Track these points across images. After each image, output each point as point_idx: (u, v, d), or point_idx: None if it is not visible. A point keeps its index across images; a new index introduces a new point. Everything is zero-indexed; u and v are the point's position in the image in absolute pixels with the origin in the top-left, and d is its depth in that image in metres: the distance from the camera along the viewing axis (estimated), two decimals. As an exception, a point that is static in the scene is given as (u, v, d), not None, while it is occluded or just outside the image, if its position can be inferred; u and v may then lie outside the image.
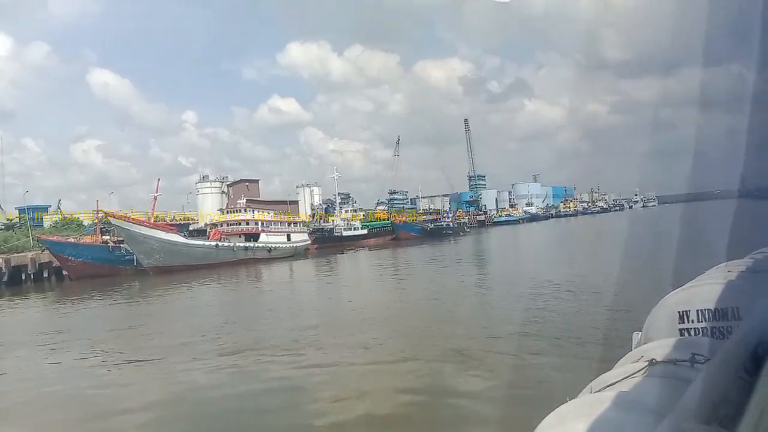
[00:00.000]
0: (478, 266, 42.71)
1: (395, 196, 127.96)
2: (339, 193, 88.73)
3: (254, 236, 61.93)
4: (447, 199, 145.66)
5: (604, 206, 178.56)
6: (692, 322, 3.04)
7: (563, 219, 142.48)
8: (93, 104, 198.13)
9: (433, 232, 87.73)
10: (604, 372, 2.65)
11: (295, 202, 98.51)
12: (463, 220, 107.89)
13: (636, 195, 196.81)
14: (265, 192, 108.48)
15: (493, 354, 13.64)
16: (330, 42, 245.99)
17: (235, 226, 62.79)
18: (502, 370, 12.33)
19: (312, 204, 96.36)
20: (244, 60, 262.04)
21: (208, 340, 18.02)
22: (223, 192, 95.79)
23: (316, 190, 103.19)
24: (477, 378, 11.95)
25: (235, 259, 56.50)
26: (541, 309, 18.85)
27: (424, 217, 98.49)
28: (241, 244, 59.37)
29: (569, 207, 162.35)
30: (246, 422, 10.61)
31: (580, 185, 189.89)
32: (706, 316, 2.99)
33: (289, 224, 70.10)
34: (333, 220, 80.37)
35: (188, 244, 55.53)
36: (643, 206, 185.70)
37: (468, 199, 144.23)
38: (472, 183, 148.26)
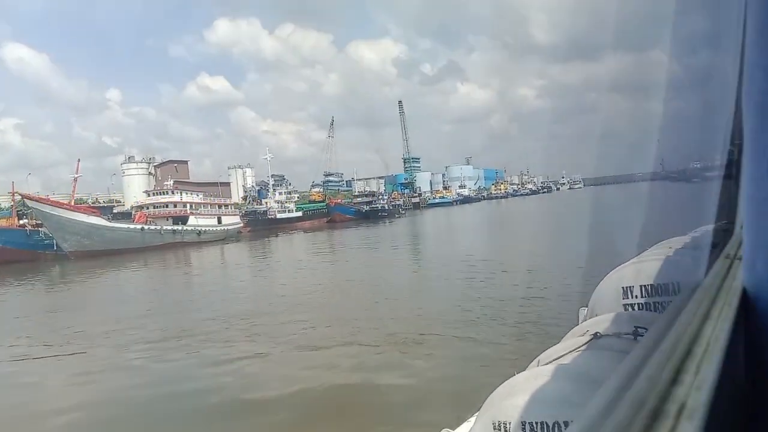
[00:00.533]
0: (413, 247, 43.23)
1: (330, 179, 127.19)
2: (273, 175, 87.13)
3: (182, 219, 60.00)
4: (382, 181, 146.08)
5: (533, 188, 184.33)
6: (635, 297, 3.14)
7: (494, 201, 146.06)
8: (8, 80, 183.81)
9: (369, 214, 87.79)
10: (551, 346, 2.74)
11: (227, 184, 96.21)
12: (398, 202, 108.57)
13: (563, 177, 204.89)
14: (196, 174, 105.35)
15: (432, 336, 13.63)
16: (260, 19, 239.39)
17: (162, 209, 60.55)
18: (442, 353, 12.33)
19: (245, 186, 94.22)
20: (170, 36, 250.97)
21: (131, 329, 17.12)
22: (150, 173, 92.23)
23: (249, 171, 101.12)
24: (417, 360, 11.90)
25: (163, 243, 54.60)
26: (478, 290, 19.06)
27: (359, 199, 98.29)
28: (169, 228, 57.40)
29: (500, 189, 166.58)
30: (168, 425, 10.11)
31: (511, 168, 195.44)
32: (649, 291, 3.09)
33: (220, 207, 68.31)
34: (266, 203, 78.87)
35: (112, 227, 53.09)
36: (570, 188, 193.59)
37: (403, 181, 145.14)
38: (406, 165, 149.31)
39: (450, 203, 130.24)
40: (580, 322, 3.45)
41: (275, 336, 14.91)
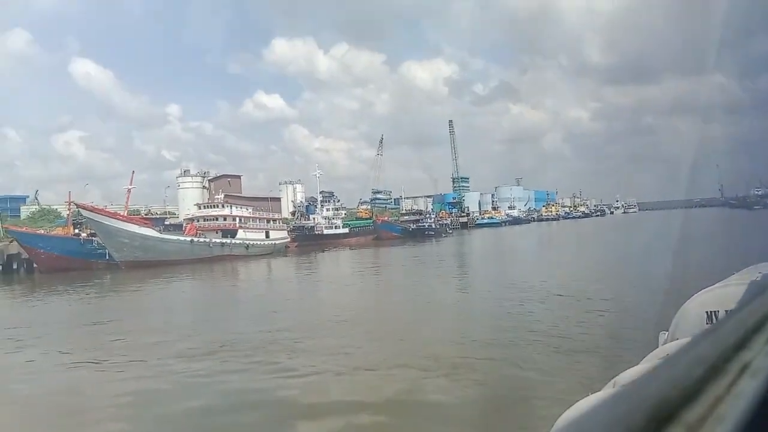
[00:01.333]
0: (459, 267, 42.25)
1: (379, 196, 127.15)
2: (322, 192, 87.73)
3: (231, 232, 60.80)
4: (430, 200, 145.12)
5: (586, 211, 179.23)
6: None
7: (545, 223, 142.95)
8: (75, 94, 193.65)
9: (415, 233, 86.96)
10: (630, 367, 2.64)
11: (278, 199, 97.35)
12: (445, 221, 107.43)
13: (617, 201, 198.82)
14: (249, 188, 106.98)
15: (483, 362, 12.86)
16: (316, 39, 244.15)
17: (211, 222, 61.52)
18: (494, 380, 11.64)
19: (294, 201, 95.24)
20: (229, 54, 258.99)
21: (178, 340, 17.07)
22: (204, 187, 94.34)
23: (299, 187, 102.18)
24: (462, 386, 11.24)
25: (211, 256, 55.34)
26: (528, 314, 18.31)
27: (406, 217, 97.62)
28: (218, 240, 58.20)
29: (551, 211, 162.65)
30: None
31: (562, 190, 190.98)
32: None
33: (268, 221, 68.92)
34: (314, 219, 79.31)
35: (162, 238, 54.28)
36: (624, 212, 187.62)
37: (451, 200, 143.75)
38: (455, 184, 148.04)
39: (499, 224, 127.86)
40: (660, 345, 3.35)
41: (321, 354, 14.39)
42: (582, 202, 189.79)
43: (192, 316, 22.41)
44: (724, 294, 3.07)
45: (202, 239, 56.98)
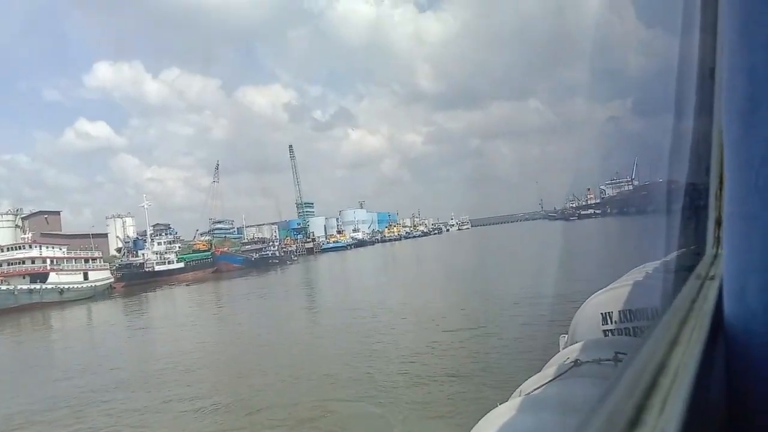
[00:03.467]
0: (306, 296, 41.24)
1: (220, 226, 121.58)
2: (157, 224, 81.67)
3: (41, 276, 53.56)
4: (275, 227, 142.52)
5: (425, 230, 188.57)
6: (615, 323, 3.21)
7: (388, 243, 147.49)
8: None
9: (258, 262, 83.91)
10: (534, 374, 2.79)
11: (104, 236, 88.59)
12: (290, 248, 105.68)
13: (452, 218, 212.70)
14: (74, 224, 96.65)
15: (338, 404, 12.00)
16: (144, 63, 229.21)
17: (16, 266, 53.71)
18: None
19: (125, 236, 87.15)
20: (45, 79, 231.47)
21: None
22: (17, 226, 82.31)
23: (129, 221, 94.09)
24: None
25: (17, 305, 47.97)
26: (377, 344, 17.96)
27: (248, 246, 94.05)
28: (25, 287, 50.84)
29: (393, 232, 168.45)
30: None
31: (403, 210, 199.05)
32: (627, 316, 3.16)
33: (87, 261, 61.98)
34: (144, 254, 72.92)
35: (-46, 289, 45.96)
36: (459, 229, 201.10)
37: (296, 226, 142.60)
38: (300, 210, 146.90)
39: (344, 247, 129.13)
40: (561, 348, 3.47)
41: (156, 413, 12.46)
42: (421, 222, 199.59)
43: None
44: (616, 295, 3.25)
45: (4, 287, 49.26)
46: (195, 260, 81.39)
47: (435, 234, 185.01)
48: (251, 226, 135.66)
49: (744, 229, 1.13)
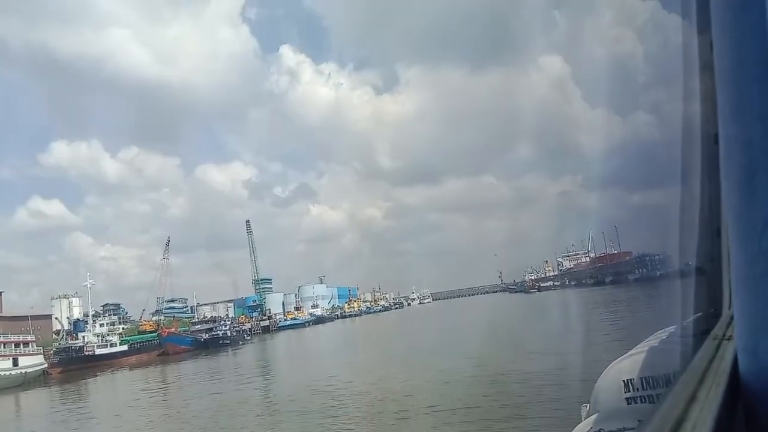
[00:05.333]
0: (257, 382, 38.45)
1: (173, 305, 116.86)
2: (106, 304, 77.60)
3: (-38, 364, 49.08)
4: (231, 305, 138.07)
5: (386, 305, 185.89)
6: (637, 390, 3.11)
7: (348, 319, 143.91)
8: None
9: (208, 343, 79.28)
10: None
11: (48, 317, 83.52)
12: (245, 327, 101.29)
13: (413, 292, 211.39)
14: (21, 305, 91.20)
15: None
16: (102, 141, 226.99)
17: (-67, 355, 49.27)
18: None
19: (68, 317, 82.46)
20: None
21: None
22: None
23: (75, 301, 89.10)
24: None
25: (-67, 398, 43.44)
26: None
27: (199, 326, 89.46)
28: (-56, 377, 46.39)
29: (354, 307, 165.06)
30: None
31: (363, 285, 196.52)
32: (650, 382, 3.06)
33: (17, 345, 57.44)
34: (84, 337, 68.41)
35: None
36: (420, 303, 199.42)
37: (252, 303, 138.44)
38: (256, 287, 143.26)
39: (302, 324, 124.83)
40: (583, 418, 3.47)
41: None
42: (382, 296, 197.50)
43: None
44: (637, 361, 3.19)
45: None
46: (140, 342, 76.63)
47: (396, 308, 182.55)
48: (206, 304, 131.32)
49: (752, 291, 1.17)
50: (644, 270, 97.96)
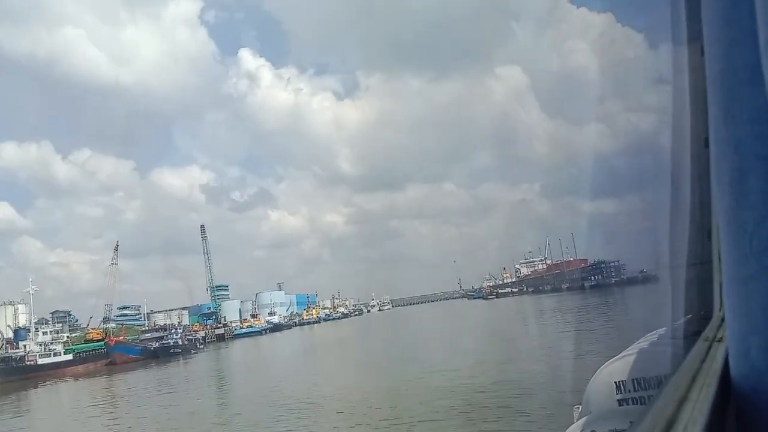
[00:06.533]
0: (209, 393, 37.53)
1: (125, 312, 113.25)
2: (55, 311, 74.43)
3: None
4: (186, 312, 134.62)
5: (345, 312, 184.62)
6: (629, 391, 3.14)
7: (307, 327, 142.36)
8: None
9: (158, 352, 76.72)
10: None
11: (-12, 326, 79.72)
12: (198, 335, 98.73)
13: (373, 299, 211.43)
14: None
15: None
16: (53, 143, 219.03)
17: None
18: None
19: (15, 325, 78.93)
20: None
21: None
22: None
23: (21, 308, 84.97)
24: None
25: None
26: None
27: (149, 335, 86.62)
28: None
29: (312, 314, 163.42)
30: None
31: (323, 292, 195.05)
32: (642, 384, 3.09)
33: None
34: (25, 346, 65.48)
35: None
36: (380, 310, 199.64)
37: (207, 311, 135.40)
38: (211, 293, 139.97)
39: (259, 332, 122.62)
40: (575, 420, 3.47)
41: None
42: (341, 303, 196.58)
43: None
44: (629, 363, 3.22)
45: None
46: (86, 351, 73.55)
47: (356, 315, 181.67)
48: (160, 311, 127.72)
49: (743, 292, 1.18)
50: (600, 277, 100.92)
